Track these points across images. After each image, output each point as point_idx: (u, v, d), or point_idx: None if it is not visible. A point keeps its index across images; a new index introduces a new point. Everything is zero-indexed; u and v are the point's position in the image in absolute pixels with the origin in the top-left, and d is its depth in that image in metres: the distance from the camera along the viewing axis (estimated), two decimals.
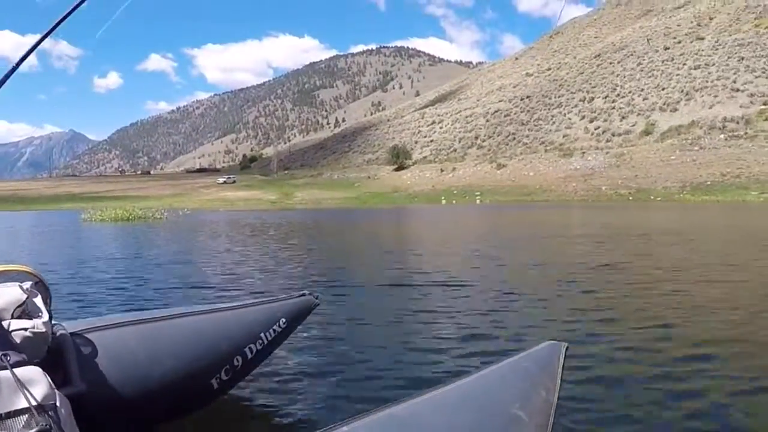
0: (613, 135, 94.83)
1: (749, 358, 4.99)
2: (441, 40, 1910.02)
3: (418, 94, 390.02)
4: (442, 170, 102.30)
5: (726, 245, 16.03)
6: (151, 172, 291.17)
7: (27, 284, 2.44)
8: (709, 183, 64.02)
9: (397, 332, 6.08)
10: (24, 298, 2.30)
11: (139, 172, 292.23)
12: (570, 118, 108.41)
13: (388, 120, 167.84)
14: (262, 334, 3.48)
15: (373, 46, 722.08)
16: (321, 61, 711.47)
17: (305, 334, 5.89)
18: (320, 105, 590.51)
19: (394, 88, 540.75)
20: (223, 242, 20.34)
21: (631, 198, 63.20)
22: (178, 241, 22.23)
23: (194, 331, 3.27)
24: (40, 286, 2.55)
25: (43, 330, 2.24)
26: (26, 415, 1.10)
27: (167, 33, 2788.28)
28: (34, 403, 1.28)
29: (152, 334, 3.09)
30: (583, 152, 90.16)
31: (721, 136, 79.19)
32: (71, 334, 2.69)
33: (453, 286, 8.53)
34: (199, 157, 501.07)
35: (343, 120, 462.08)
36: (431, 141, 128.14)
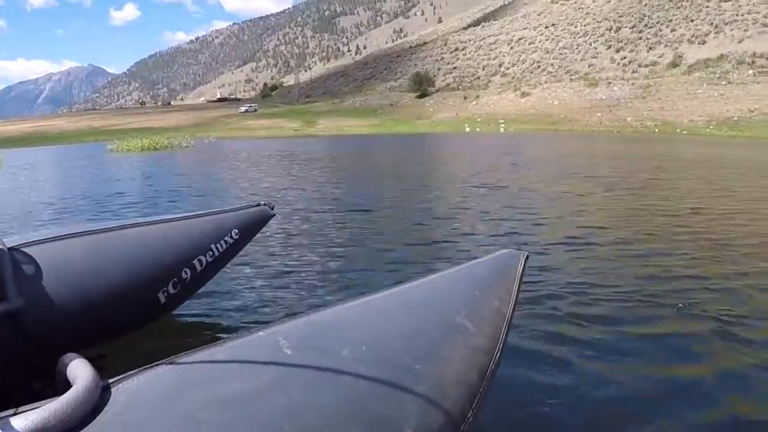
0: (640, 66, 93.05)
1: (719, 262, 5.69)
2: None
3: (440, 20, 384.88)
4: (465, 98, 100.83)
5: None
6: (172, 103, 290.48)
7: None
8: (735, 119, 62.49)
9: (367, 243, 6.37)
10: None
11: (159, 104, 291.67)
12: (596, 48, 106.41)
13: (411, 47, 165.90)
14: (212, 246, 3.39)
15: None
16: None
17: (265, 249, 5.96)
18: (341, 32, 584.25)
19: (416, 14, 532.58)
20: (255, 164, 20.67)
21: (656, 130, 61.88)
22: (213, 163, 23.19)
23: (140, 242, 3.16)
24: None
25: None
26: None
27: None
28: None
29: (96, 246, 2.99)
30: (609, 82, 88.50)
31: (750, 71, 77.14)
32: (10, 249, 2.62)
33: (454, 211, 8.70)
34: (219, 87, 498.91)
35: (365, 47, 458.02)
36: (454, 68, 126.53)
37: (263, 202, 3.78)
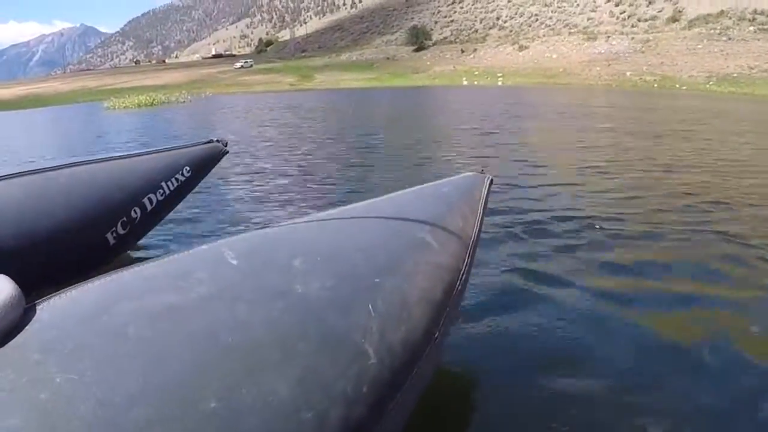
0: (639, 20, 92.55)
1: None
2: None
3: None
4: (462, 51, 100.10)
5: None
6: (167, 61, 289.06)
7: None
8: (735, 75, 62.06)
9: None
10: None
11: (154, 62, 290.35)
12: (595, 1, 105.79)
13: (407, 0, 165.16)
14: (163, 183, 3.28)
15: None
16: None
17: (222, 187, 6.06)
18: None
19: None
20: (249, 116, 21.41)
21: (656, 85, 61.45)
22: (208, 115, 23.97)
23: (86, 181, 3.04)
24: None
25: None
26: None
27: None
28: None
29: (39, 186, 2.88)
30: (608, 36, 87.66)
31: (751, 28, 76.65)
32: None
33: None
34: (213, 44, 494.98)
35: (360, 1, 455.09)
36: (451, 21, 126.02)
37: (215, 139, 3.71)
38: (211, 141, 3.65)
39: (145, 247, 3.86)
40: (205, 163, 3.62)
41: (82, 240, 2.95)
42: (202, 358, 1.24)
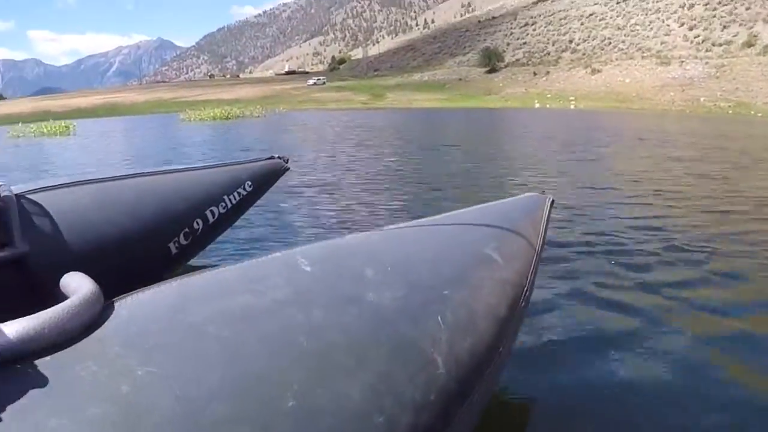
0: (713, 45, 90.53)
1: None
2: None
3: None
4: (535, 73, 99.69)
5: None
6: (240, 76, 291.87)
7: None
8: None
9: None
10: None
11: (228, 77, 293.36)
12: (668, 25, 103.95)
13: (479, 21, 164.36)
14: (225, 197, 3.34)
15: None
16: None
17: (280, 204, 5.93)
18: (408, 6, 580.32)
19: None
20: (326, 132, 21.58)
21: (730, 111, 60.14)
22: (283, 131, 23.90)
23: (152, 191, 3.11)
24: None
25: None
26: None
27: None
28: None
29: (106, 194, 2.95)
30: (682, 61, 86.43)
31: None
32: (17, 195, 2.55)
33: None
34: (287, 60, 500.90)
35: (433, 21, 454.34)
36: (524, 43, 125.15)
37: (277, 155, 3.77)
38: (272, 157, 3.73)
39: (203, 257, 3.94)
40: (267, 179, 3.69)
41: (146, 248, 3.01)
42: (279, 359, 1.28)
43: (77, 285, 1.26)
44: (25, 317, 1.07)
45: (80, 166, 11.77)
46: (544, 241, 2.23)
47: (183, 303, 1.32)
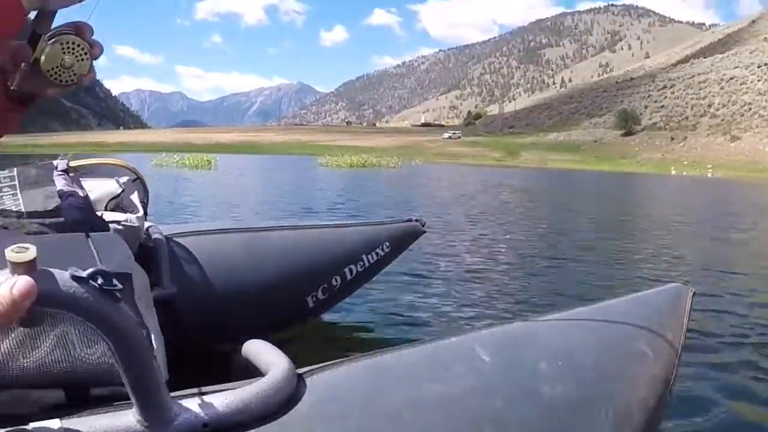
0: None
1: None
2: None
3: (647, 56, 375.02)
4: (672, 138, 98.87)
5: None
6: (377, 124, 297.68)
7: (124, 179, 2.40)
8: None
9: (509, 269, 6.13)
10: (119, 192, 2.28)
11: (365, 124, 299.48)
12: None
13: (617, 82, 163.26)
14: (363, 256, 3.38)
15: (601, 4, 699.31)
16: (547, 18, 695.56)
17: (410, 264, 5.81)
18: (546, 64, 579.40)
19: (622, 48, 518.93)
20: (461, 189, 21.33)
21: None
22: (421, 185, 23.77)
23: (295, 244, 3.19)
24: (138, 184, 2.52)
25: (136, 224, 2.20)
26: (102, 269, 0.80)
27: None
28: (106, 267, 0.96)
29: (251, 243, 3.06)
30: None
31: None
32: (167, 237, 2.68)
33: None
34: (423, 112, 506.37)
35: (570, 80, 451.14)
36: (661, 107, 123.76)
37: (415, 218, 3.75)
38: (410, 220, 3.72)
39: (336, 312, 4.01)
40: (404, 241, 3.69)
41: (285, 299, 3.09)
42: None
43: (270, 358, 1.32)
44: (230, 390, 1.13)
45: (222, 204, 12.19)
46: (685, 335, 2.23)
47: (377, 386, 1.37)
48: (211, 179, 22.17)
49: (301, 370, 1.31)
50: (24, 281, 0.55)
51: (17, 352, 1.02)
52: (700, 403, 3.03)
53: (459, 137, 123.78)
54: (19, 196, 1.85)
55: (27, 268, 0.58)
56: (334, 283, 3.22)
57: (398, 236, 3.59)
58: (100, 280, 0.67)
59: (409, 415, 1.29)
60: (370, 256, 3.38)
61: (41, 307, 0.60)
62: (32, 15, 0.93)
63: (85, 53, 0.99)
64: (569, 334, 1.86)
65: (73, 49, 0.98)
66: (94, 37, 1.00)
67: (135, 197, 2.35)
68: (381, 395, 1.33)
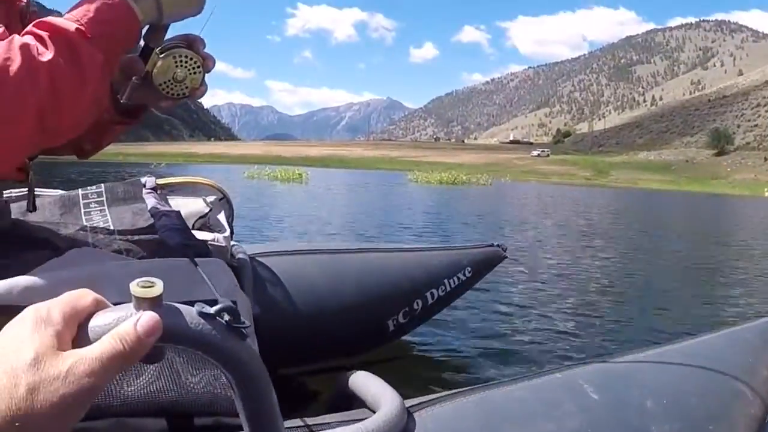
0: None
1: None
2: (766, 13, 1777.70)
3: (741, 73, 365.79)
4: (765, 159, 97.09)
5: None
6: (465, 141, 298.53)
7: (211, 198, 2.41)
8: None
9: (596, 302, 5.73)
10: (206, 211, 2.29)
11: (453, 140, 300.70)
12: None
13: (709, 101, 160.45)
14: (445, 281, 3.32)
15: (692, 20, 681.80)
16: (637, 35, 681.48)
17: (492, 290, 5.67)
18: (636, 81, 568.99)
19: (714, 65, 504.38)
20: (551, 209, 21.34)
21: None
22: (513, 205, 23.41)
23: (377, 267, 3.14)
24: (224, 203, 2.50)
25: (223, 244, 2.18)
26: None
27: (480, 5, 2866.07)
28: (216, 294, 1.21)
29: (333, 265, 3.01)
30: None
31: None
32: (250, 256, 2.62)
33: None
34: (512, 129, 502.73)
35: (660, 98, 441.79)
36: (755, 126, 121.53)
37: (497, 243, 3.67)
38: (492, 245, 3.65)
39: (423, 340, 3.99)
40: (485, 266, 3.62)
41: (367, 323, 3.05)
42: None
43: (379, 391, 1.29)
44: (337, 426, 1.13)
45: (316, 221, 11.95)
46: None
47: (489, 424, 1.37)
48: (303, 194, 22.02)
49: (408, 403, 1.31)
50: (149, 318, 0.56)
51: (122, 380, 1.06)
52: None
53: (548, 155, 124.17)
54: (107, 212, 1.93)
55: (152, 304, 0.59)
56: (415, 306, 3.19)
57: (480, 261, 3.54)
58: (227, 317, 0.69)
59: None
60: (451, 281, 3.35)
61: (165, 344, 0.62)
62: (144, 28, 0.99)
63: (198, 67, 1.02)
64: (671, 371, 1.86)
65: (186, 62, 1.00)
66: (206, 50, 1.05)
67: (222, 216, 2.38)
68: None
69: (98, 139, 1.19)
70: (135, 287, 0.58)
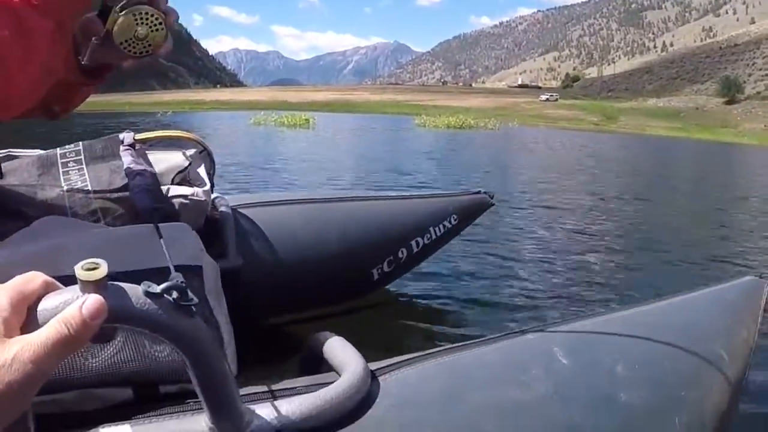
0: None
1: None
2: None
3: (753, 21, 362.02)
4: None
5: None
6: (473, 85, 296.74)
7: (191, 152, 2.33)
8: None
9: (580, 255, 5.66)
10: (186, 165, 2.21)
11: (460, 84, 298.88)
12: None
13: (720, 48, 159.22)
14: (430, 228, 3.30)
15: None
16: None
17: (479, 237, 5.61)
18: (647, 26, 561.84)
19: (727, 12, 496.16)
20: (555, 154, 21.77)
21: None
22: (522, 150, 23.78)
23: (361, 216, 3.12)
24: (205, 156, 2.45)
25: (203, 198, 2.14)
26: (165, 274, 0.84)
27: None
28: (176, 261, 1.13)
29: (318, 215, 2.99)
30: None
31: None
32: (232, 208, 2.63)
33: None
34: (520, 73, 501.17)
35: (671, 45, 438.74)
36: (766, 75, 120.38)
37: (483, 191, 3.64)
38: (479, 192, 3.63)
39: (402, 292, 3.93)
40: (471, 213, 3.59)
41: (351, 272, 3.05)
42: None
43: (344, 356, 1.26)
44: (303, 392, 1.11)
45: (323, 170, 11.58)
46: (758, 332, 2.09)
47: (454, 388, 1.33)
48: (311, 140, 22.05)
49: (373, 366, 1.30)
50: (94, 301, 0.55)
51: (86, 352, 1.06)
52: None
53: (556, 99, 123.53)
54: (86, 171, 1.92)
55: (97, 286, 0.58)
56: (400, 255, 3.19)
57: (466, 208, 3.52)
58: (175, 295, 0.68)
59: (488, 423, 1.28)
60: (437, 229, 3.34)
61: (113, 324, 0.61)
62: None
63: (160, 23, 0.99)
64: (647, 333, 1.82)
65: (147, 19, 0.97)
66: (168, 5, 1.01)
67: (202, 170, 2.33)
68: (459, 399, 1.31)
69: (66, 101, 1.14)
70: (79, 270, 0.57)
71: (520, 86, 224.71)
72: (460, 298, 4.02)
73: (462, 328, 3.51)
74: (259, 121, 32.87)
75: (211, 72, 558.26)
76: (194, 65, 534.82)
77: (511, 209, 7.79)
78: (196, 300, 0.72)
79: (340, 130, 30.16)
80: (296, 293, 2.77)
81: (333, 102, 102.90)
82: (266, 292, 2.60)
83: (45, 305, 0.55)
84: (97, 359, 1.07)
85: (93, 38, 1.00)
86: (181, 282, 0.71)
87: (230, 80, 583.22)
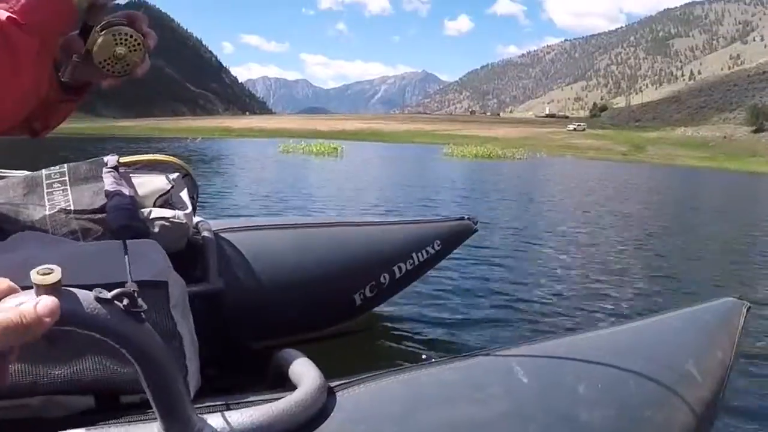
0: None
1: None
2: None
3: None
4: None
5: None
6: (501, 114, 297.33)
7: (174, 176, 2.35)
8: None
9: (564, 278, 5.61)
10: (168, 188, 2.23)
11: (488, 114, 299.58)
12: None
13: (748, 76, 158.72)
14: (413, 254, 3.29)
15: None
16: (676, 7, 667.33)
17: (463, 262, 5.65)
18: (674, 55, 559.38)
19: (754, 40, 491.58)
20: (582, 185, 21.11)
21: None
22: (546, 179, 24.00)
23: (343, 242, 3.13)
24: (188, 180, 2.47)
25: (183, 221, 2.16)
26: (127, 290, 0.76)
27: None
28: (142, 276, 1.18)
29: (300, 240, 2.99)
30: None
31: None
32: (215, 232, 2.61)
33: None
34: (548, 103, 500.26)
35: (699, 73, 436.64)
36: None
37: (467, 216, 3.63)
38: (462, 218, 3.60)
39: (380, 315, 3.92)
40: (455, 239, 3.58)
41: (333, 297, 3.03)
42: None
43: (302, 370, 1.28)
44: (259, 404, 1.11)
45: (352, 201, 11.50)
46: (736, 354, 2.09)
47: (409, 405, 1.33)
48: (339, 168, 22.37)
49: (333, 383, 1.30)
50: (47, 301, 0.58)
51: (49, 360, 1.09)
52: (749, 425, 2.87)
53: (584, 129, 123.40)
54: (69, 192, 1.98)
55: (51, 289, 0.60)
56: (382, 280, 3.18)
57: (450, 235, 3.52)
58: (125, 301, 0.69)
59: None
60: (420, 254, 3.32)
61: (65, 327, 0.63)
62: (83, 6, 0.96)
63: (138, 44, 1.00)
64: (615, 353, 1.80)
65: (126, 40, 0.99)
66: (149, 28, 1.04)
67: (184, 194, 2.36)
68: (414, 416, 1.30)
69: (47, 119, 1.20)
70: (34, 275, 0.60)
71: (548, 116, 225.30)
72: (445, 318, 4.14)
73: (434, 349, 3.53)
74: (287, 148, 33.57)
75: (240, 99, 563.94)
76: (224, 92, 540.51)
77: (488, 232, 7.84)
78: (145, 307, 0.72)
79: (368, 159, 30.86)
80: (278, 317, 2.81)
81: (362, 131, 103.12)
82: (248, 315, 2.65)
83: (3, 305, 0.58)
84: (60, 367, 1.10)
85: (73, 56, 1.02)
86: (133, 290, 0.70)
87: (259, 108, 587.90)
